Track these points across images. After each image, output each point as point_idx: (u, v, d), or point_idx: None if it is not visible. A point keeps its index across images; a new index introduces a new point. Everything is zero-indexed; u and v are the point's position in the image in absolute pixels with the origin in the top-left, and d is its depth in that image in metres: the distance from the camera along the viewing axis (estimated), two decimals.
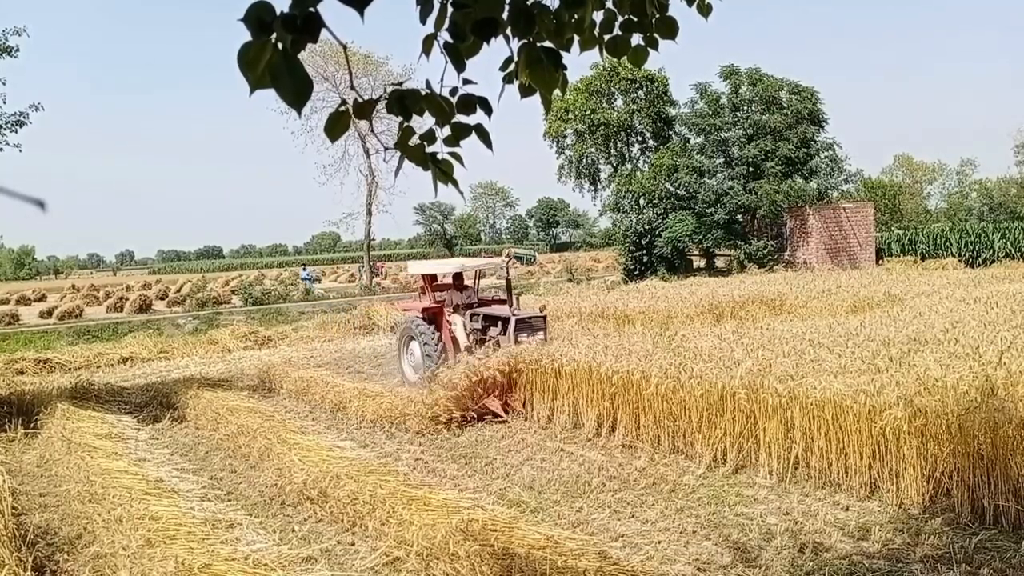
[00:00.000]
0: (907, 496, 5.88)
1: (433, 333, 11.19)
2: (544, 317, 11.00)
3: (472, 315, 11.53)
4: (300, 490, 6.86)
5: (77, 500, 6.95)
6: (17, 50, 13.21)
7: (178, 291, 37.37)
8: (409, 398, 9.79)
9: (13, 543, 5.70)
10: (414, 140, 2.01)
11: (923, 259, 30.63)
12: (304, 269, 37.25)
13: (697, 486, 6.73)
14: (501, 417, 9.26)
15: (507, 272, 12.24)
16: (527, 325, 10.58)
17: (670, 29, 2.44)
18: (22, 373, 15.67)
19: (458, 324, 11.47)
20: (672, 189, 33.12)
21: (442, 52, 1.98)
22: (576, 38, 2.26)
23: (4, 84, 13.34)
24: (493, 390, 9.38)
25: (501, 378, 9.33)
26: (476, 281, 12.68)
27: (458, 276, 12.23)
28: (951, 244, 30.95)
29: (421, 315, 11.66)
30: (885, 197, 59.89)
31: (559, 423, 8.80)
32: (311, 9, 1.67)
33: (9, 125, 13.22)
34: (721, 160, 32.52)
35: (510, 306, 11.02)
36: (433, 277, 12.65)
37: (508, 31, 2.04)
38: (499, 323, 10.88)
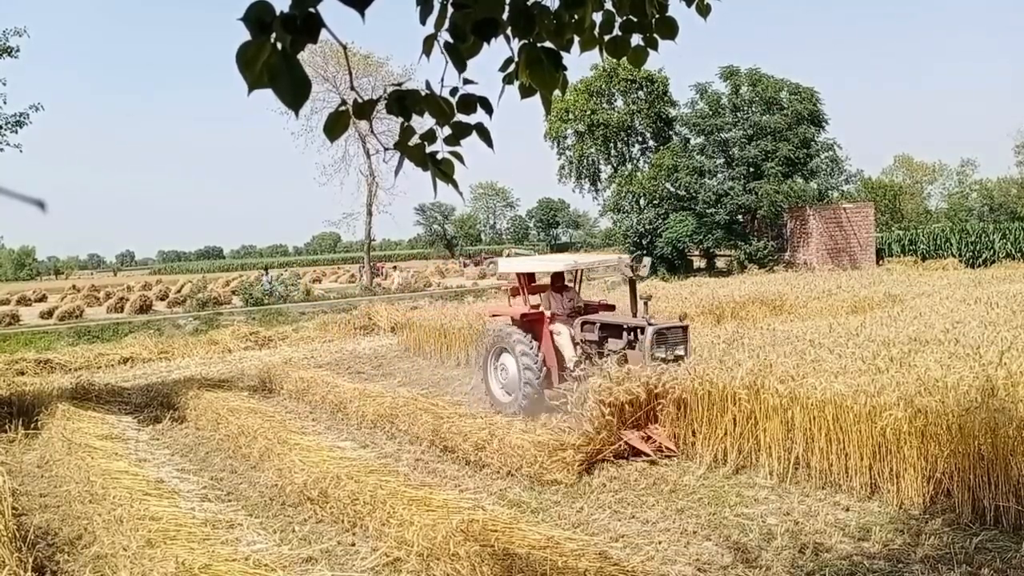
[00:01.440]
0: (907, 497, 5.88)
1: (531, 343, 9.39)
2: (686, 328, 8.86)
3: (584, 323, 9.42)
4: (300, 490, 6.87)
5: (77, 501, 6.96)
6: (17, 50, 13.22)
7: (178, 291, 37.35)
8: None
9: (13, 543, 5.70)
10: (414, 140, 2.01)
11: (923, 259, 30.63)
12: (266, 272, 33.99)
13: (697, 487, 6.73)
14: (648, 456, 7.36)
15: (631, 270, 9.54)
16: (664, 338, 8.49)
17: (670, 29, 2.44)
18: (22, 373, 15.68)
19: (563, 334, 9.52)
20: (672, 189, 33.14)
21: (442, 52, 1.98)
22: (576, 38, 2.26)
23: (4, 84, 13.37)
24: (635, 421, 7.58)
25: (642, 406, 7.56)
26: (578, 283, 10.56)
27: (559, 276, 10.18)
28: (951, 244, 30.95)
29: (516, 323, 9.75)
30: (885, 197, 59.89)
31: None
32: (311, 9, 1.67)
33: (9, 125, 13.23)
34: (721, 160, 32.53)
35: (634, 313, 9.15)
36: (531, 277, 10.58)
37: (508, 31, 2.04)
38: (625, 334, 8.79)
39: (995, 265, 27.40)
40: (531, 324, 9.65)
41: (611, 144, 34.86)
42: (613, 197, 35.11)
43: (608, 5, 2.35)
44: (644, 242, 33.21)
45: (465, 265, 58.39)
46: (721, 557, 5.29)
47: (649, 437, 7.50)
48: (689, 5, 2.64)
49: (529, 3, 2.05)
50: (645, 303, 9.00)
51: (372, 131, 2.22)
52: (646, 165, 34.82)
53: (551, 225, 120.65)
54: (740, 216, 32.07)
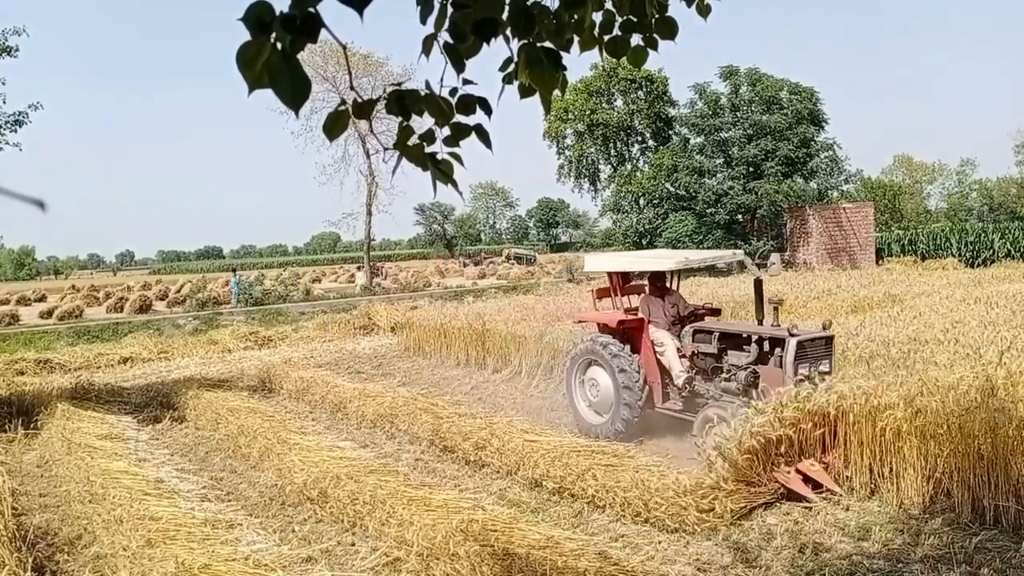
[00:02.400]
0: (907, 496, 5.88)
1: (630, 356, 8.07)
2: (831, 338, 7.30)
3: (697, 332, 8.00)
4: (300, 490, 6.87)
5: (77, 501, 6.96)
6: (17, 50, 13.22)
7: (178, 291, 37.32)
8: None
9: (13, 543, 5.70)
10: (413, 140, 2.01)
11: (923, 259, 30.63)
12: (234, 274, 32.29)
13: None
14: (809, 499, 6.01)
15: (758, 268, 8.00)
16: (805, 351, 6.95)
17: (670, 29, 2.44)
18: (22, 373, 15.67)
19: (668, 346, 8.09)
20: (672, 189, 33.15)
21: (442, 52, 1.98)
22: (576, 38, 2.26)
23: (4, 84, 13.36)
24: (789, 455, 6.24)
25: (796, 436, 6.21)
26: (677, 283, 9.09)
27: (659, 276, 8.65)
28: (951, 244, 30.95)
29: (609, 330, 8.39)
30: (885, 197, 59.89)
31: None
32: (310, 9, 1.67)
33: (9, 125, 13.23)
34: (721, 160, 32.54)
35: (760, 319, 7.65)
36: (625, 276, 9.02)
37: (508, 31, 2.04)
38: (753, 345, 7.29)
39: (995, 265, 27.40)
40: (628, 333, 8.26)
41: (611, 144, 34.88)
42: (612, 197, 35.12)
43: (608, 5, 2.35)
44: (644, 242, 33.21)
45: (465, 265, 58.38)
46: (721, 557, 5.29)
47: (804, 475, 6.14)
48: (689, 5, 2.64)
49: (529, 3, 2.05)
50: (775, 308, 7.50)
51: (372, 131, 2.22)
52: (646, 165, 34.84)
53: (551, 225, 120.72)
54: (740, 216, 32.08)
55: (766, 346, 7.24)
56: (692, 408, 7.80)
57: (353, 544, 5.88)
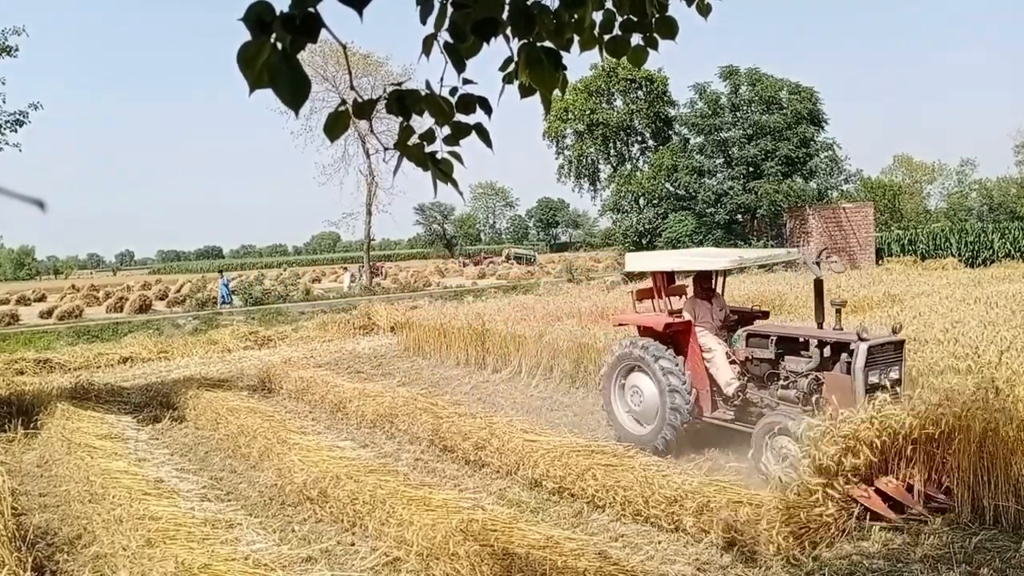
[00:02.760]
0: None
1: (677, 362, 7.54)
2: (901, 343, 6.72)
3: (751, 336, 7.47)
4: (300, 490, 6.87)
5: (77, 500, 6.96)
6: (17, 50, 13.22)
7: (178, 291, 37.34)
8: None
9: (13, 543, 5.71)
10: (413, 140, 2.01)
11: (923, 259, 30.62)
12: (222, 276, 31.67)
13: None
14: (890, 519, 5.49)
15: (818, 267, 7.31)
16: (874, 356, 6.41)
17: (670, 29, 2.44)
18: (22, 373, 15.67)
19: (718, 351, 7.59)
20: (672, 189, 33.15)
21: (442, 52, 1.98)
22: (576, 38, 2.26)
23: (4, 84, 13.36)
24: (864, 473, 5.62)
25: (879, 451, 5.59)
26: (722, 286, 8.57)
27: (707, 276, 8.18)
28: (951, 244, 30.95)
29: (653, 334, 7.85)
30: (885, 197, 59.91)
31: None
32: (310, 9, 1.67)
33: (9, 124, 13.23)
34: (721, 160, 32.55)
35: (820, 322, 7.08)
36: (670, 276, 8.47)
37: (508, 31, 2.04)
38: (815, 350, 6.76)
39: (994, 265, 27.40)
40: (673, 337, 7.73)
41: (610, 144, 34.88)
42: (612, 197, 35.11)
43: (608, 5, 2.35)
44: (644, 242, 33.22)
45: (464, 265, 58.38)
46: (720, 557, 5.29)
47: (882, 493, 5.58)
48: (689, 5, 2.64)
49: (529, 3, 2.05)
50: (838, 311, 6.91)
51: (372, 131, 2.22)
52: (645, 165, 34.84)
53: (551, 225, 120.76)
54: (740, 216, 32.08)
55: (827, 351, 6.71)
56: (744, 418, 7.26)
57: (353, 544, 5.88)
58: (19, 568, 5.21)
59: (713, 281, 8.24)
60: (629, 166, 35.17)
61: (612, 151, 35.28)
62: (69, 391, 12.54)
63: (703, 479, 6.11)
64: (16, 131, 13.32)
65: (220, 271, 35.02)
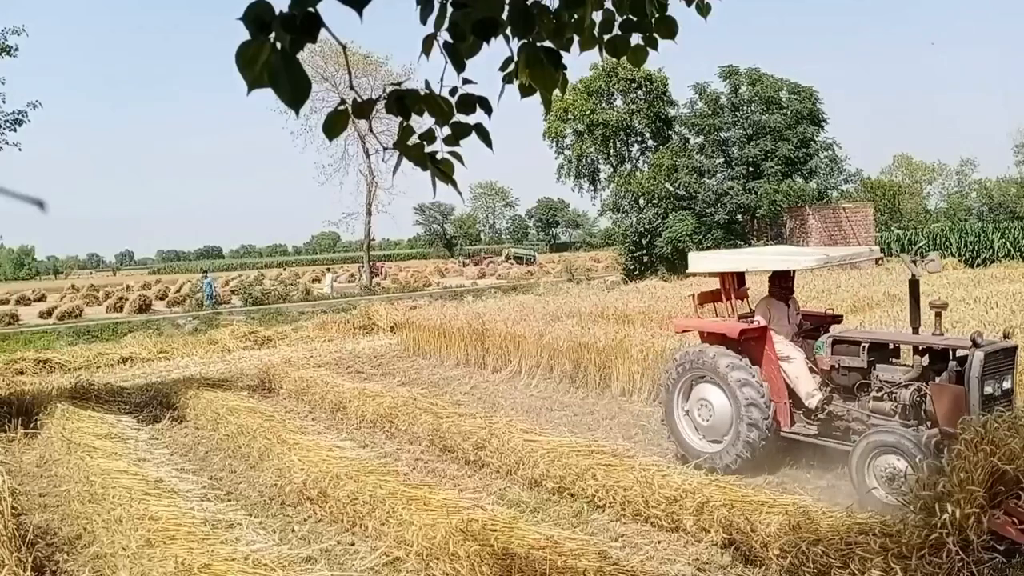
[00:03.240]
0: None
1: (754, 372, 6.83)
2: (1014, 349, 6.22)
3: (837, 343, 6.75)
4: (300, 490, 6.87)
5: (77, 500, 6.96)
6: (16, 49, 13.22)
7: (178, 291, 37.38)
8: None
9: (13, 543, 5.70)
10: (413, 140, 2.01)
11: (923, 259, 30.59)
12: (205, 276, 31.53)
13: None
14: None
15: (914, 265, 6.73)
16: (990, 366, 5.87)
17: (669, 29, 2.44)
18: (22, 373, 15.66)
19: (798, 360, 6.94)
20: (672, 189, 33.13)
21: (442, 52, 1.98)
22: (576, 38, 2.26)
23: (4, 84, 13.37)
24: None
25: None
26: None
27: (784, 277, 7.44)
28: (951, 244, 30.96)
29: (723, 341, 7.11)
30: (885, 197, 59.96)
31: None
32: (310, 9, 1.67)
33: (8, 124, 13.23)
34: (721, 160, 32.54)
35: (916, 326, 6.45)
36: (740, 277, 7.74)
37: (508, 31, 2.04)
38: (916, 358, 6.29)
39: (994, 265, 27.40)
40: (749, 344, 7.01)
41: (610, 144, 34.85)
42: (612, 197, 35.11)
43: (608, 5, 2.35)
44: (644, 242, 33.23)
45: (464, 265, 58.39)
46: (720, 556, 5.29)
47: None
48: (689, 4, 2.64)
49: (529, 3, 2.05)
50: (938, 314, 6.27)
51: (371, 131, 2.22)
52: (645, 165, 34.83)
53: (550, 225, 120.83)
54: (739, 216, 32.07)
55: (929, 360, 6.16)
56: (829, 432, 6.67)
57: (353, 544, 5.88)
58: (19, 568, 5.21)
59: (792, 281, 7.55)
60: (629, 166, 35.15)
61: (612, 151, 35.26)
62: (69, 391, 12.53)
63: (703, 479, 6.11)
64: (16, 131, 13.34)
65: (204, 272, 35.08)
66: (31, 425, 10.47)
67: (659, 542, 5.60)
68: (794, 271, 7.49)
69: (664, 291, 18.74)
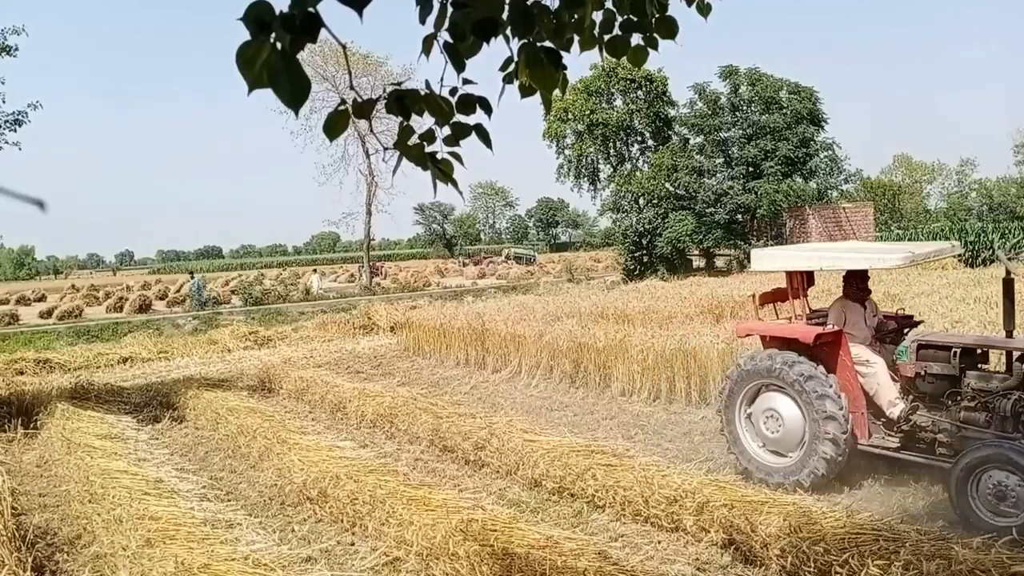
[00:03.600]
0: None
1: (830, 381, 6.21)
2: None
3: (922, 347, 6.27)
4: (300, 490, 6.87)
5: (77, 500, 6.96)
6: (16, 49, 13.21)
7: (178, 291, 37.35)
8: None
9: (13, 543, 5.70)
10: (413, 140, 2.01)
11: None
12: (192, 277, 31.59)
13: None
14: None
15: (1008, 262, 6.30)
16: None
17: (670, 29, 2.44)
18: (22, 373, 15.66)
19: (879, 366, 6.43)
20: (672, 189, 33.15)
21: (442, 52, 1.98)
22: (576, 38, 2.26)
23: (3, 83, 13.37)
24: None
25: None
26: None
27: (860, 276, 6.87)
28: None
29: (794, 346, 6.48)
30: (885, 197, 59.99)
31: None
32: (310, 9, 1.67)
33: (8, 124, 13.23)
34: (721, 160, 32.55)
35: (1010, 330, 6.07)
36: (810, 276, 7.17)
37: (508, 31, 2.04)
38: (1017, 364, 5.85)
39: (994, 265, 27.39)
40: (822, 350, 6.41)
41: (610, 144, 34.87)
42: (612, 197, 35.13)
43: (608, 5, 2.35)
44: (644, 242, 33.24)
45: (464, 265, 58.40)
46: (720, 556, 5.29)
47: None
48: (689, 5, 2.63)
49: (529, 3, 2.05)
50: None
51: (372, 131, 2.22)
52: (645, 165, 34.84)
53: (550, 224, 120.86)
54: (739, 216, 32.08)
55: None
56: (912, 445, 6.13)
57: (353, 544, 5.88)
58: (19, 568, 5.21)
59: (868, 281, 6.95)
60: (629, 166, 35.17)
61: (612, 151, 35.27)
62: (69, 391, 12.53)
63: (703, 479, 6.10)
64: (15, 131, 13.34)
65: (190, 272, 35.02)
66: (31, 425, 10.47)
67: (659, 542, 5.59)
68: (882, 268, 6.72)
69: (664, 291, 18.75)
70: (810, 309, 7.23)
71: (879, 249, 7.00)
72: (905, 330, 6.96)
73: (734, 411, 6.79)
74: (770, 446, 6.57)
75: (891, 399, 6.28)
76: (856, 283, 6.83)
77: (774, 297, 7.32)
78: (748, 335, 7.51)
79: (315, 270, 41.15)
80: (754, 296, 7.42)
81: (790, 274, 6.88)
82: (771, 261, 7.10)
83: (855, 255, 6.65)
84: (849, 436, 6.13)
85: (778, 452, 6.53)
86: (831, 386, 6.15)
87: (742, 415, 6.77)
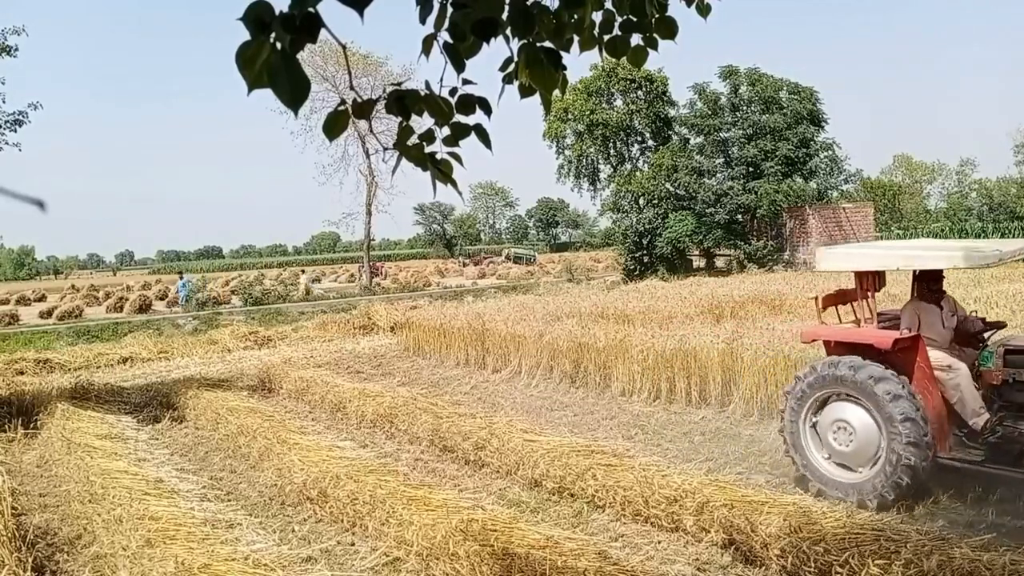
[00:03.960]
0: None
1: (908, 389, 5.76)
2: None
3: (1010, 352, 5.89)
4: (300, 490, 6.87)
5: (77, 500, 6.95)
6: (16, 50, 13.22)
7: (178, 291, 37.32)
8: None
9: (13, 543, 5.70)
10: (413, 140, 2.01)
11: None
12: (181, 277, 31.35)
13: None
14: None
15: None
16: None
17: (669, 29, 2.44)
18: (22, 373, 15.66)
19: (961, 371, 5.99)
20: (672, 189, 33.13)
21: (442, 52, 1.98)
22: (576, 38, 2.26)
23: (3, 84, 13.37)
24: None
25: None
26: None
27: (934, 276, 6.41)
28: None
29: (867, 352, 6.02)
30: (885, 197, 59.97)
31: None
32: (310, 9, 1.67)
33: (8, 124, 13.24)
34: (721, 160, 32.53)
35: None
36: (881, 277, 6.52)
37: (508, 31, 2.04)
38: None
39: None
40: (897, 357, 5.92)
41: (610, 144, 34.85)
42: (612, 197, 35.12)
43: (608, 5, 2.35)
44: (644, 242, 33.23)
45: (464, 265, 58.40)
46: (720, 556, 5.29)
47: None
48: (689, 5, 2.64)
49: (529, 3, 2.05)
50: None
51: (371, 131, 2.22)
52: (645, 165, 34.82)
53: (550, 225, 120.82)
54: (739, 216, 32.07)
55: None
56: (998, 458, 5.64)
57: (353, 544, 5.88)
58: (19, 568, 5.21)
59: (942, 280, 6.48)
60: (629, 166, 35.15)
61: (612, 151, 35.25)
62: (69, 391, 12.54)
63: (703, 479, 6.10)
64: (16, 131, 13.34)
65: (179, 273, 35.04)
66: (31, 425, 10.47)
67: (659, 542, 5.59)
68: (961, 268, 6.18)
69: (664, 291, 18.75)
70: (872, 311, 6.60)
71: (956, 247, 6.29)
72: (986, 334, 6.46)
73: (800, 426, 6.31)
74: (836, 459, 6.12)
75: (975, 408, 5.84)
76: (928, 283, 6.35)
77: (837, 300, 6.84)
78: (814, 340, 6.74)
79: (303, 271, 41.28)
80: (816, 299, 6.85)
81: (860, 274, 6.33)
82: (842, 260, 6.60)
83: (935, 253, 6.20)
84: (931, 440, 5.66)
85: (846, 466, 6.08)
86: (903, 387, 5.70)
87: (805, 427, 6.31)
